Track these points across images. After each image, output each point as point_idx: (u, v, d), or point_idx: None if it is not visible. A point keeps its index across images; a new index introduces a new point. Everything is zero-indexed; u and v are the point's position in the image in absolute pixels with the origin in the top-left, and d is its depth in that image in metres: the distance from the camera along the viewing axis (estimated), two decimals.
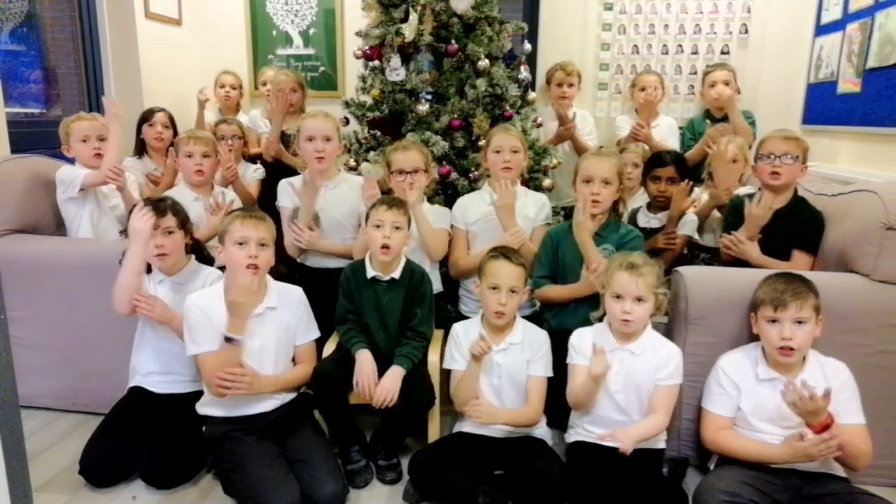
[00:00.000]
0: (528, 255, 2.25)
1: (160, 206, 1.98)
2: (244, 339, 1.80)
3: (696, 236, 2.61)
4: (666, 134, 3.34)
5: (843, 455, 1.65)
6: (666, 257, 2.49)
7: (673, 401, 1.85)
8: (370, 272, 2.09)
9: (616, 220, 2.24)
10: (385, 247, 2.01)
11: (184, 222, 2.02)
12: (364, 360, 1.98)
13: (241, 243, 1.83)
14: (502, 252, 1.99)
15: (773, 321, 1.72)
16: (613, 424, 1.84)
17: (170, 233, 1.97)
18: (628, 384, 1.84)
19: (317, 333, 2.06)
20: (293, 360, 2.02)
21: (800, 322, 1.70)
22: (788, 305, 1.70)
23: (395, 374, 1.95)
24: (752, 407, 1.76)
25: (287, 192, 2.43)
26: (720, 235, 2.38)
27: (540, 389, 1.94)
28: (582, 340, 1.90)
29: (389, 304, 2.09)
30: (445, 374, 2.05)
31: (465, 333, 2.01)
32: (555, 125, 3.26)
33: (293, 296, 2.00)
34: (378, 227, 2.02)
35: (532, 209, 2.41)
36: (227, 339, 1.77)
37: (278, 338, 1.94)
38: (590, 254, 2.08)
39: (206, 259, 2.15)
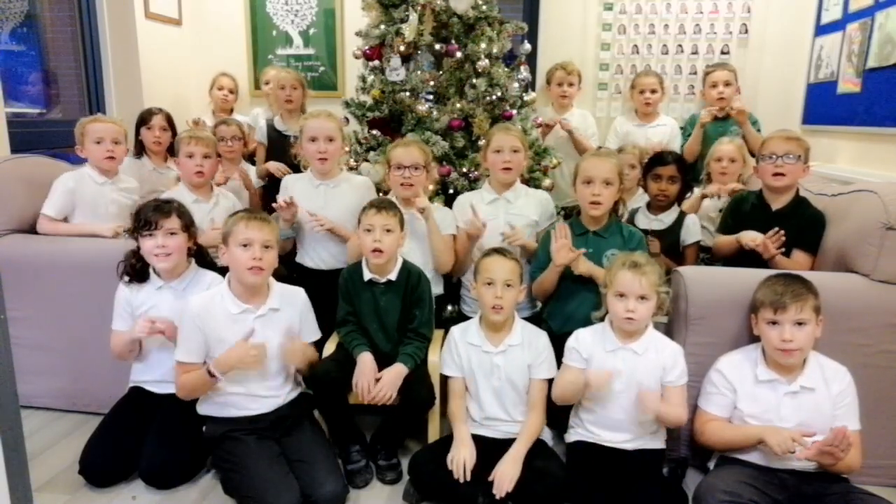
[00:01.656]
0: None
1: (165, 207, 1.97)
2: (222, 379, 1.83)
3: (705, 240, 2.60)
4: (670, 136, 3.35)
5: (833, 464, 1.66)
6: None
7: (685, 396, 1.85)
8: (367, 275, 2.08)
9: (617, 221, 2.23)
10: (376, 251, 2.00)
11: (188, 225, 2.01)
12: (365, 361, 1.98)
13: (245, 245, 1.82)
14: (495, 249, 2.00)
15: (774, 323, 1.72)
16: (615, 424, 1.84)
17: (172, 234, 1.95)
18: (631, 383, 1.83)
19: (318, 335, 2.05)
20: None
21: (800, 323, 1.70)
22: (788, 307, 1.69)
23: (397, 371, 1.95)
24: (750, 408, 1.76)
25: (287, 190, 2.42)
26: (714, 233, 2.36)
27: (544, 393, 1.93)
28: (580, 343, 1.90)
29: (387, 306, 2.09)
30: (445, 375, 2.04)
31: (462, 337, 2.01)
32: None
33: (296, 297, 1.99)
34: (369, 231, 2.01)
35: (534, 211, 2.39)
36: (210, 374, 1.80)
37: (281, 339, 1.92)
38: (595, 272, 2.07)
39: (208, 265, 2.14)
